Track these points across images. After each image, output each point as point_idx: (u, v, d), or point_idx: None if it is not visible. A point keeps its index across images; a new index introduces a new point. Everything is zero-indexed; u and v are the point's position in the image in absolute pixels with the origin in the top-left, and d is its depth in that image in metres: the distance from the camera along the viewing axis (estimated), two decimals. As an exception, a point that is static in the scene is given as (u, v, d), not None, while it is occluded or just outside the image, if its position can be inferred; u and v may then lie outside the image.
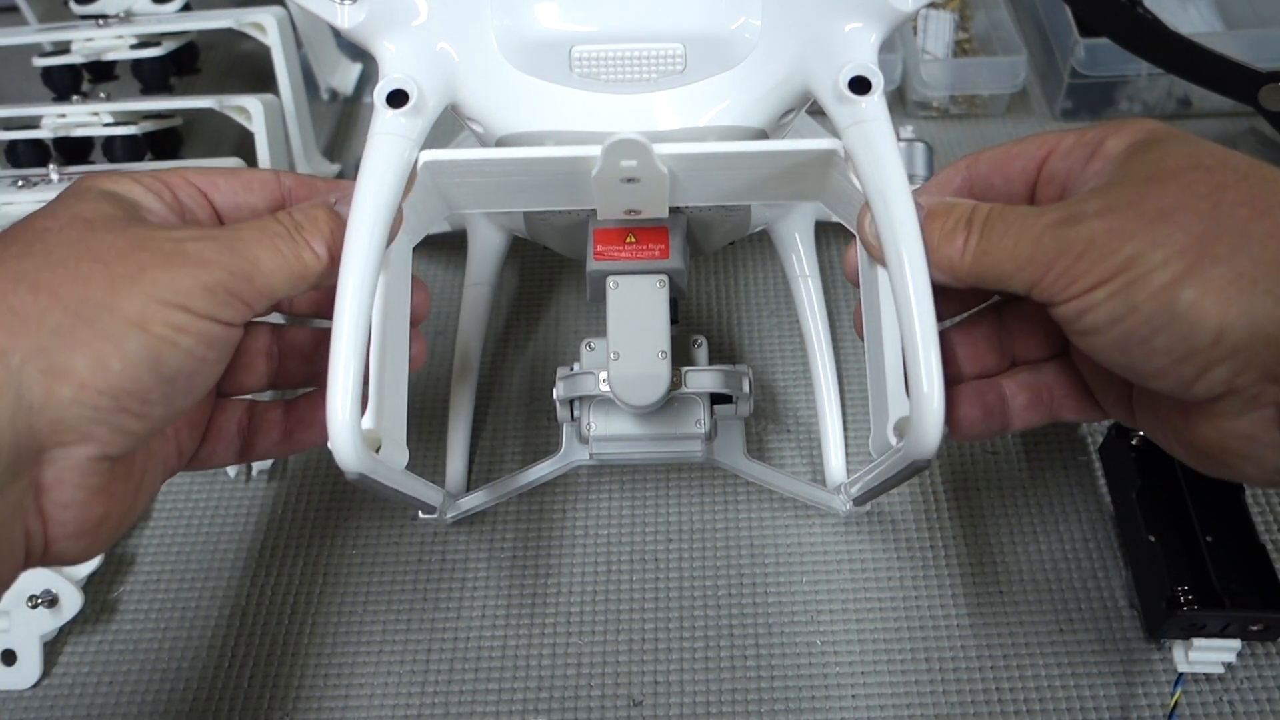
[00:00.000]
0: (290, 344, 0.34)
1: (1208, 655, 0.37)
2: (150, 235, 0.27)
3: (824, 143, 0.30)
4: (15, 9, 0.61)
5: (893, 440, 0.30)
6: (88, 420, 0.25)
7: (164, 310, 0.26)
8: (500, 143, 0.33)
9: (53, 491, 0.26)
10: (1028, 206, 0.28)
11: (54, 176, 0.48)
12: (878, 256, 0.29)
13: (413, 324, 0.34)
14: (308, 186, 0.32)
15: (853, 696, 0.38)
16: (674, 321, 0.38)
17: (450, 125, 0.44)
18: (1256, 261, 0.24)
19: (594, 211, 0.36)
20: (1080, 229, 0.25)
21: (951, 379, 0.32)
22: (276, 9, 0.54)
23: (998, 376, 0.32)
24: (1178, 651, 0.37)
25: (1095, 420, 0.33)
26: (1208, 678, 0.38)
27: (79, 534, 0.27)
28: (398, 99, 0.30)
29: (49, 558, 0.27)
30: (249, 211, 0.31)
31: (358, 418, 0.28)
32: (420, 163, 0.30)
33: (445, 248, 0.54)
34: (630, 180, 0.30)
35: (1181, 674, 0.37)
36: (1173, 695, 0.37)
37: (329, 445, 0.28)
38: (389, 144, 0.30)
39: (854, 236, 0.34)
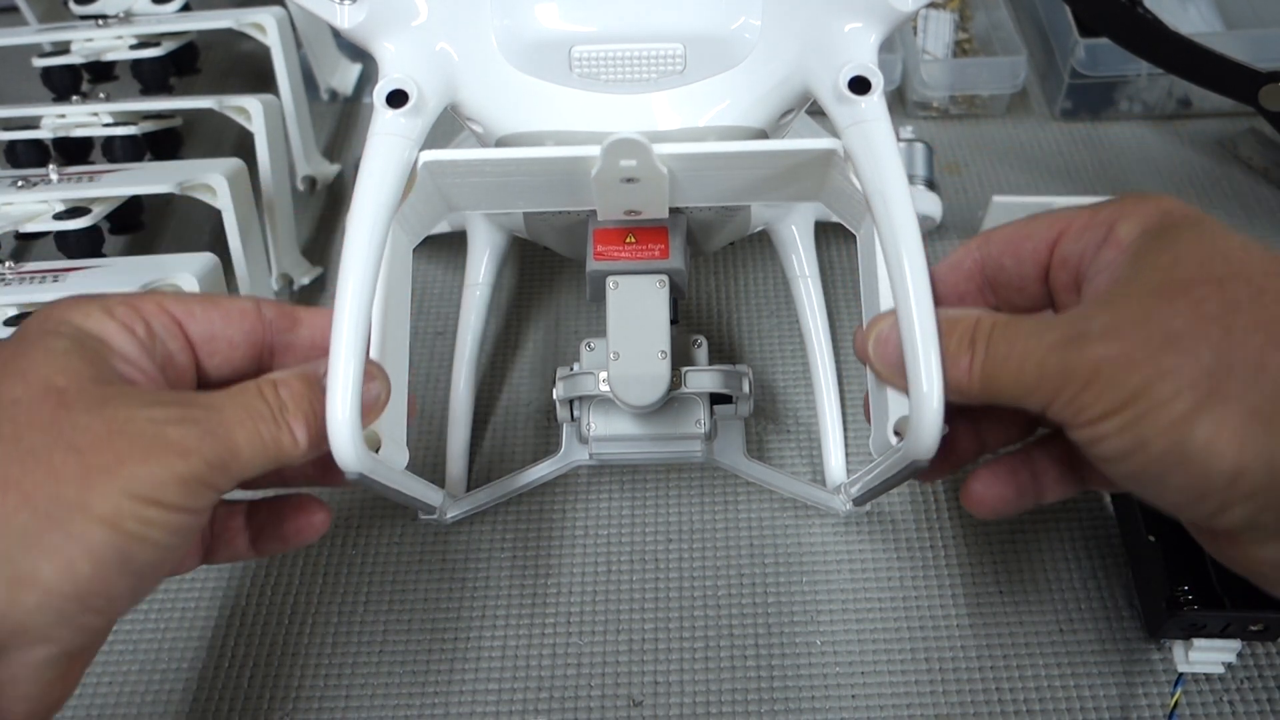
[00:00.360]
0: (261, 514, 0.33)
1: (1208, 655, 0.37)
2: (130, 418, 0.25)
3: (824, 142, 0.30)
4: (15, 9, 0.61)
5: (892, 440, 0.30)
6: (52, 625, 0.24)
7: (137, 506, 0.24)
8: (500, 143, 0.33)
9: (6, 688, 0.24)
10: (1032, 320, 0.26)
11: (54, 176, 0.48)
12: (884, 375, 0.29)
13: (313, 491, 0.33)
14: (289, 318, 0.31)
15: (853, 696, 0.38)
16: (674, 321, 0.38)
17: (450, 125, 0.44)
18: (1271, 397, 0.23)
19: (594, 211, 0.36)
20: (1086, 353, 0.24)
21: (976, 451, 0.32)
22: (276, 9, 0.54)
23: (1029, 447, 0.31)
24: (1178, 651, 0.37)
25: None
26: (1208, 678, 0.38)
27: (30, 717, 0.26)
28: (397, 99, 0.30)
29: None
30: (225, 344, 0.30)
31: (358, 417, 0.28)
32: (420, 163, 0.30)
33: (445, 248, 0.54)
34: (630, 180, 0.30)
35: (1181, 674, 0.37)
36: (1173, 695, 0.37)
37: (330, 445, 0.28)
38: (389, 144, 0.30)
39: (854, 236, 0.34)
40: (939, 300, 0.28)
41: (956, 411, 0.29)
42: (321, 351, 0.29)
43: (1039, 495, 0.31)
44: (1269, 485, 0.23)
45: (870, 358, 0.29)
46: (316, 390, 0.28)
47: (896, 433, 0.30)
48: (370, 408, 0.29)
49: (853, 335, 0.30)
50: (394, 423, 0.32)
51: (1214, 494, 0.23)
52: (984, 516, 0.30)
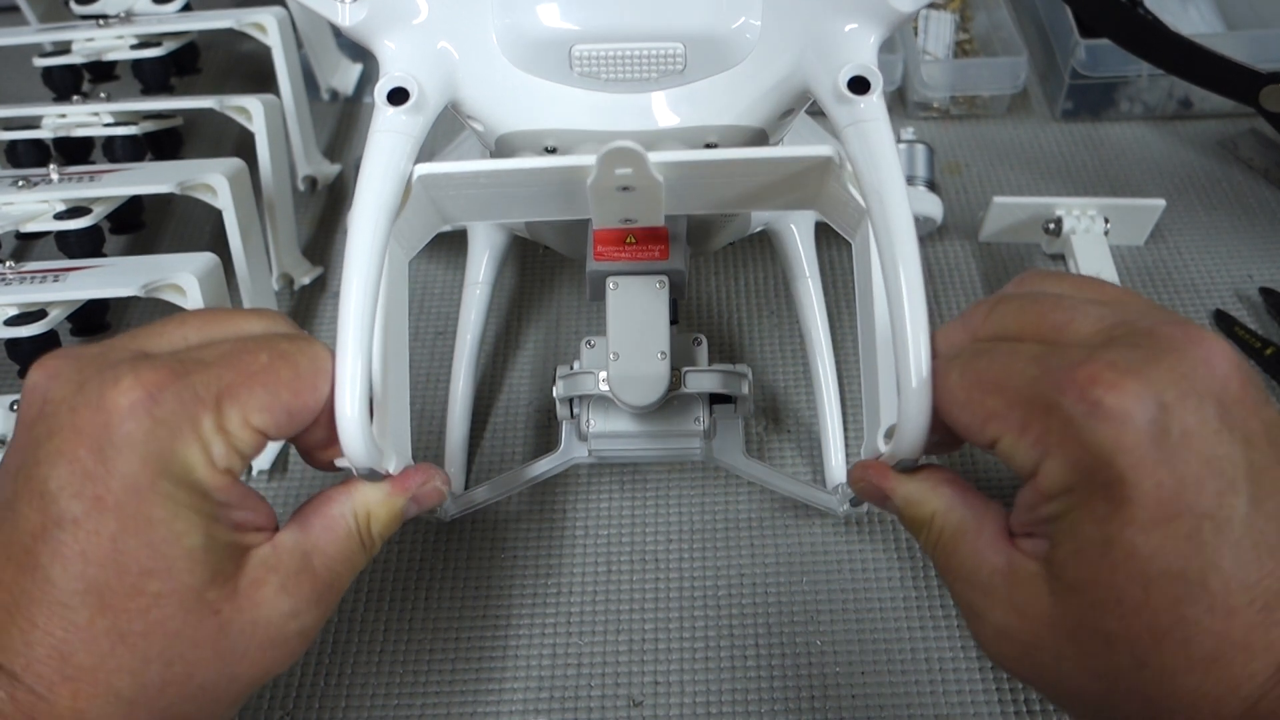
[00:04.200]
0: None
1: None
2: (267, 618, 0.28)
3: (821, 150, 0.30)
4: (15, 9, 0.61)
5: (882, 447, 0.30)
6: None
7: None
8: (500, 141, 0.33)
9: None
10: (985, 552, 0.27)
11: (54, 176, 0.48)
12: (871, 497, 0.30)
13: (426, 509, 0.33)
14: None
15: (852, 697, 0.38)
16: (673, 321, 0.38)
17: (451, 125, 0.44)
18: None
19: (592, 215, 0.36)
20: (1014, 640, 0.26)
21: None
22: (277, 9, 0.54)
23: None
24: (1178, 652, 0.37)
25: None
26: (1208, 678, 0.38)
27: None
28: (398, 97, 0.30)
29: None
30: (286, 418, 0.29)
31: (366, 413, 0.28)
32: (414, 176, 0.30)
33: (445, 247, 0.54)
34: (626, 189, 0.30)
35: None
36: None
37: (340, 441, 0.28)
38: (390, 141, 0.30)
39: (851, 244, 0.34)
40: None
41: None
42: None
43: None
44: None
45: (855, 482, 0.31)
46: (398, 519, 0.31)
47: (886, 439, 0.30)
48: (428, 498, 0.32)
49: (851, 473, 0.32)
50: (398, 436, 0.32)
51: None
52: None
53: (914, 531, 0.29)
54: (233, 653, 0.26)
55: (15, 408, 0.43)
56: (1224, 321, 0.49)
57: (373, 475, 0.30)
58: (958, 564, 0.27)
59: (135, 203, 0.52)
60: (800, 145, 0.30)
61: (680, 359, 0.40)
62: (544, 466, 0.43)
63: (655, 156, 0.29)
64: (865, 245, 0.31)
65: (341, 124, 0.63)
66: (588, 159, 0.29)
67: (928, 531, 0.28)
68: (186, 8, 0.57)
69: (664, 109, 0.32)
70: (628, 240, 0.37)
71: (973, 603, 0.27)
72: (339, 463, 0.29)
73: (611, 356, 0.37)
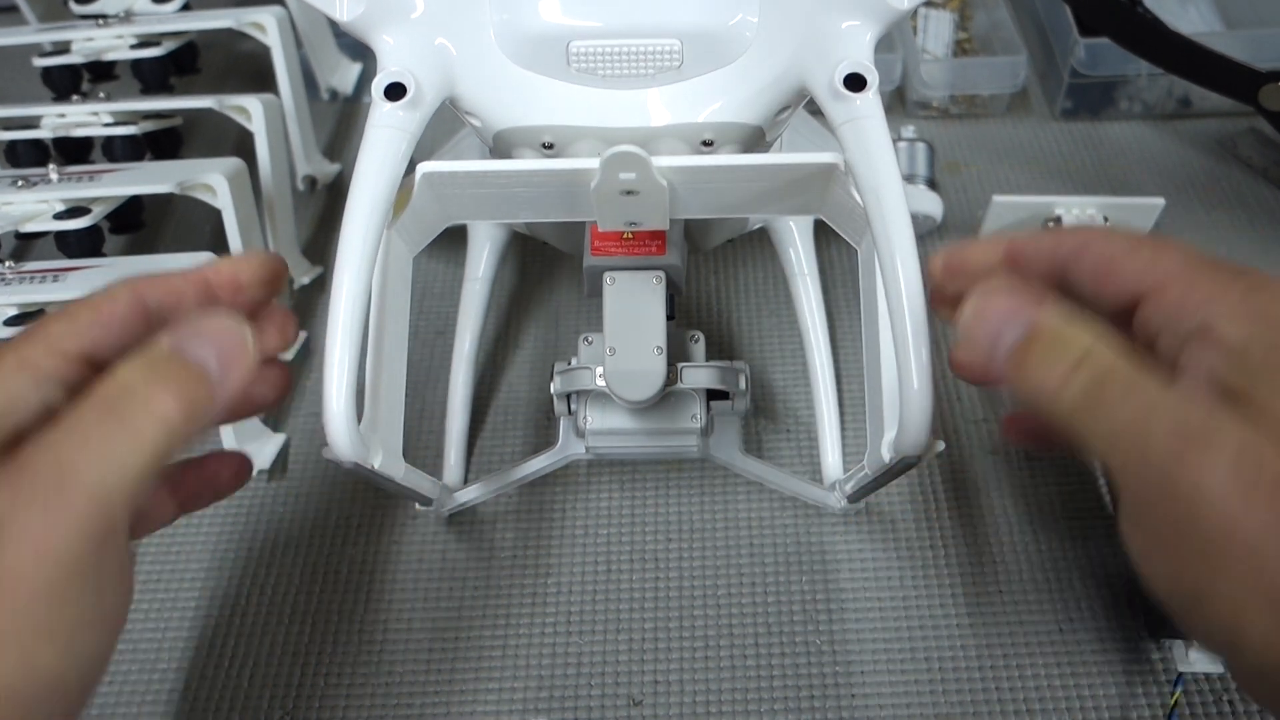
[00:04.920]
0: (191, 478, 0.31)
1: (1208, 655, 0.37)
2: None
3: (825, 156, 0.30)
4: (15, 9, 0.61)
5: (886, 458, 0.30)
6: None
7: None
8: (498, 137, 0.33)
9: None
10: (1156, 390, 0.22)
11: (54, 176, 0.48)
12: (969, 358, 0.25)
13: (272, 354, 0.30)
14: (173, 293, 0.28)
15: (852, 696, 0.38)
16: (670, 318, 0.38)
17: (450, 123, 0.44)
18: None
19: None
20: (1200, 492, 0.20)
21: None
22: (276, 9, 0.54)
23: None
24: (1178, 651, 0.37)
25: None
26: (1207, 677, 0.38)
27: None
28: (395, 92, 0.30)
29: None
30: (119, 348, 0.26)
31: (353, 407, 0.28)
32: (419, 174, 0.31)
33: (444, 243, 0.53)
34: (629, 193, 0.30)
35: (1181, 673, 0.37)
36: (1173, 695, 0.37)
37: (325, 433, 0.28)
38: (386, 136, 0.30)
39: (854, 249, 0.34)
40: (1016, 264, 0.26)
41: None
42: (216, 295, 0.28)
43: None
44: None
45: (962, 337, 0.25)
46: (161, 366, 0.25)
47: (887, 449, 0.30)
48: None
49: (933, 276, 0.27)
50: (390, 433, 0.32)
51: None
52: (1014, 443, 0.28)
53: (1049, 369, 0.23)
54: None
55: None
56: (1224, 320, 0.49)
57: (358, 470, 0.30)
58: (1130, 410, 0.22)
59: (135, 203, 0.52)
60: (804, 151, 0.31)
61: (678, 355, 0.40)
62: (541, 463, 0.43)
63: (659, 161, 0.29)
64: (871, 253, 0.31)
65: (341, 123, 0.63)
66: (593, 163, 0.29)
67: (1078, 363, 0.23)
68: (186, 7, 0.57)
69: (661, 105, 0.32)
70: (625, 236, 0.37)
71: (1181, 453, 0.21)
72: (325, 453, 0.29)
73: (608, 352, 0.37)
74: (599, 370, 0.37)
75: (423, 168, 0.31)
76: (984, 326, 0.25)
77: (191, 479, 0.31)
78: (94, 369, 0.26)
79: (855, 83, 0.29)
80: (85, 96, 0.56)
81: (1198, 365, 0.22)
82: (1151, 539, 0.22)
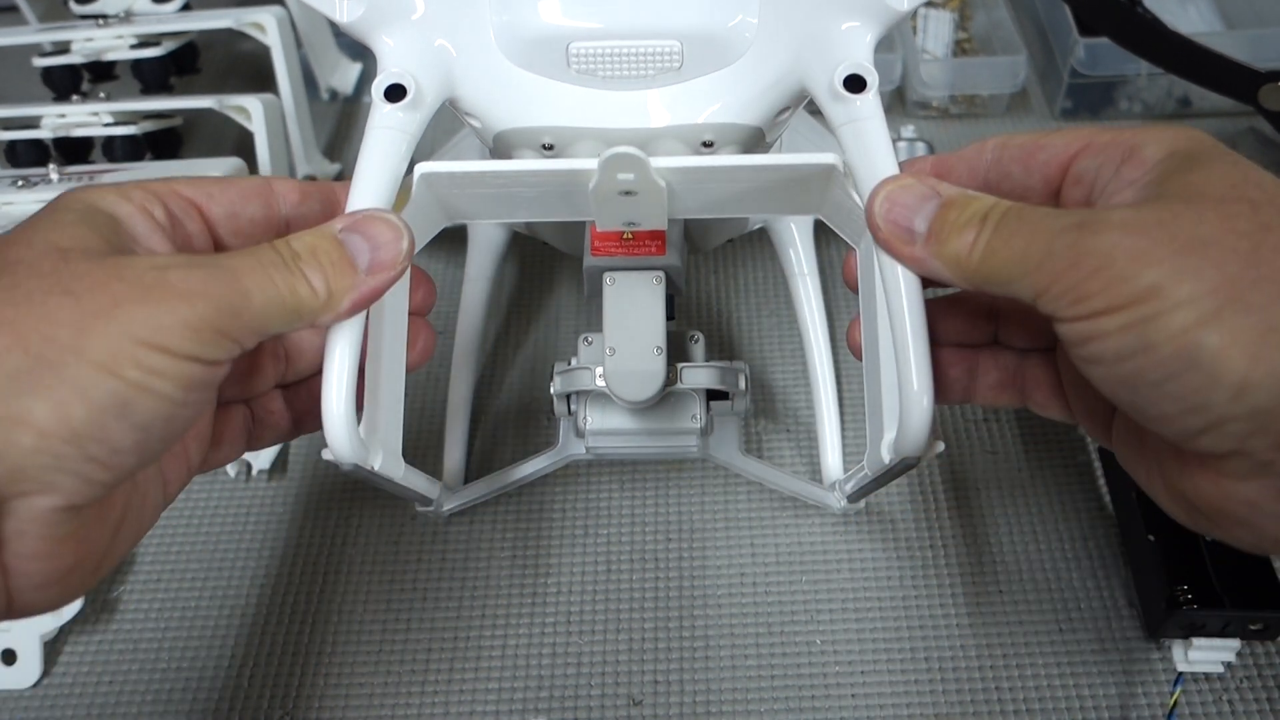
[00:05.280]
0: (296, 343, 0.33)
1: (1207, 655, 0.37)
2: (130, 264, 0.24)
3: (824, 157, 0.30)
4: (15, 9, 0.61)
5: (886, 459, 0.30)
6: (50, 469, 0.23)
7: (138, 351, 0.23)
8: (498, 138, 0.33)
9: (13, 543, 0.23)
10: (1049, 208, 0.25)
11: (54, 176, 0.48)
12: (886, 239, 0.27)
13: (419, 313, 0.33)
14: (298, 191, 0.30)
15: (852, 696, 0.38)
16: (670, 318, 0.38)
17: (450, 124, 0.44)
18: None
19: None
20: (1100, 239, 0.23)
21: (966, 387, 0.32)
22: (276, 9, 0.54)
23: (975, 349, 0.32)
24: (1177, 651, 0.37)
25: (1066, 421, 0.32)
26: (1207, 677, 0.38)
27: (45, 584, 0.24)
28: (395, 93, 0.30)
29: (15, 610, 0.24)
30: (247, 222, 0.29)
31: (353, 409, 0.28)
32: (417, 174, 0.31)
33: (445, 243, 0.54)
34: (628, 193, 0.30)
35: (1181, 673, 0.37)
36: (1172, 695, 0.37)
37: (325, 434, 0.28)
38: (386, 138, 0.30)
39: (853, 250, 0.34)
40: (944, 177, 0.28)
41: (948, 342, 0.31)
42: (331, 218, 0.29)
43: (968, 394, 0.32)
44: (1272, 406, 0.22)
45: (875, 218, 0.27)
46: (335, 244, 0.27)
47: (887, 450, 0.30)
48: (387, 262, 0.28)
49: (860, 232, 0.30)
50: (390, 433, 0.32)
51: (1212, 408, 0.22)
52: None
53: (959, 234, 0.26)
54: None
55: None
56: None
57: (358, 471, 0.30)
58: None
59: (135, 202, 0.52)
60: (803, 151, 0.30)
61: (677, 356, 0.40)
62: (540, 464, 0.43)
63: (658, 162, 0.29)
64: (870, 253, 0.31)
65: (341, 123, 0.63)
66: (591, 163, 0.29)
67: (987, 213, 0.25)
68: (186, 7, 0.57)
69: (661, 106, 0.32)
70: (625, 236, 0.37)
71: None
72: (324, 454, 0.29)
73: (608, 352, 0.37)
74: (599, 370, 0.37)
75: (421, 168, 0.31)
76: (898, 211, 0.27)
77: (304, 395, 0.33)
78: (210, 230, 0.29)
79: (855, 84, 0.29)
80: (85, 96, 0.56)
81: (1120, 181, 0.26)
82: (1093, 352, 0.24)
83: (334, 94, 0.64)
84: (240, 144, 0.59)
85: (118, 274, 0.24)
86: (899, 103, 0.62)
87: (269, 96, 0.52)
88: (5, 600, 0.24)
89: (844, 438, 0.44)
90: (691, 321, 0.51)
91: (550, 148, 0.33)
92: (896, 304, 0.27)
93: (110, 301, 0.23)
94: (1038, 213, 0.25)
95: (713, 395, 0.40)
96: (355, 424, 0.28)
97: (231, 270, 0.25)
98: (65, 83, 0.56)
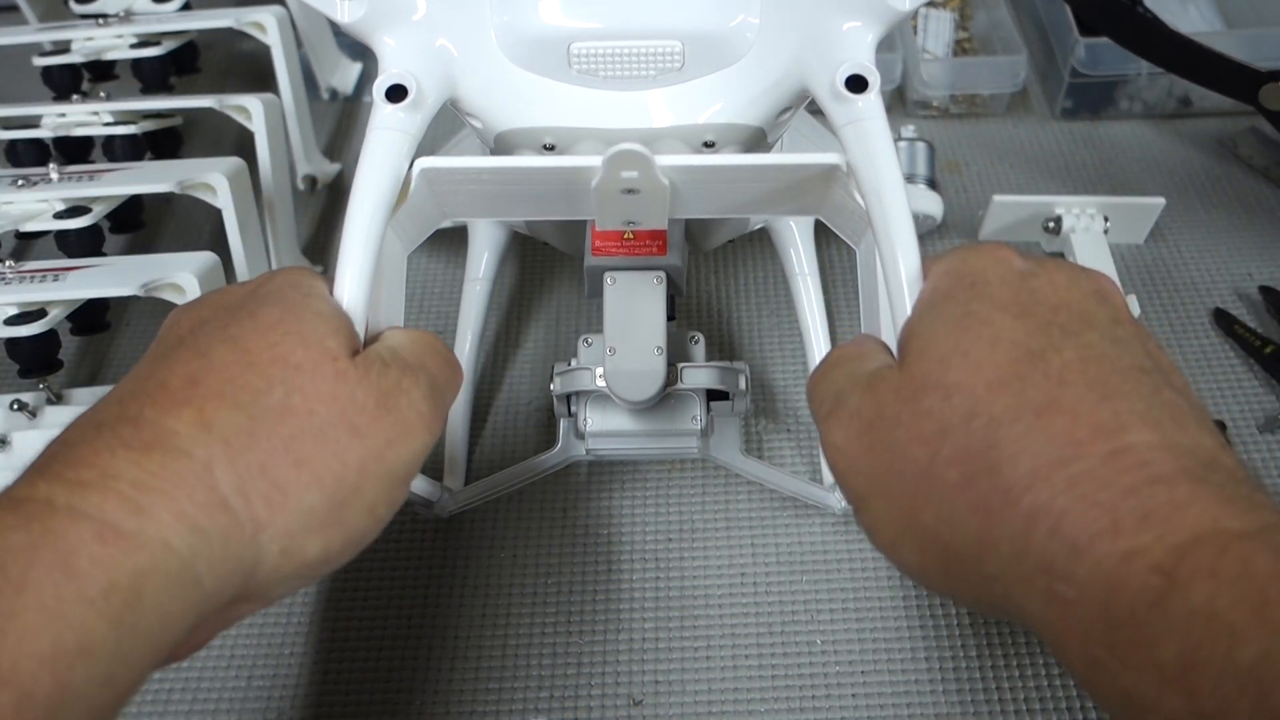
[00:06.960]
0: None
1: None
2: (391, 391, 0.26)
3: (827, 158, 0.30)
4: (15, 9, 0.61)
5: None
6: (283, 591, 0.26)
7: (396, 493, 0.27)
8: (499, 138, 0.33)
9: (199, 631, 0.25)
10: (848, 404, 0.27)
11: (54, 176, 0.47)
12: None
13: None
14: None
15: (853, 696, 0.38)
16: (671, 318, 0.38)
17: (450, 123, 0.44)
18: (953, 541, 0.24)
19: (593, 209, 0.37)
20: (831, 452, 0.27)
21: None
22: (276, 8, 0.54)
23: None
24: (1178, 651, 0.37)
25: None
26: (1208, 677, 0.38)
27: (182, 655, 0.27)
28: (396, 94, 0.30)
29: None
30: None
31: None
32: (416, 170, 0.30)
33: (445, 243, 0.54)
34: (630, 191, 0.30)
35: (1182, 673, 0.37)
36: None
37: None
38: (388, 138, 0.30)
39: (854, 249, 0.34)
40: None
41: None
42: None
43: None
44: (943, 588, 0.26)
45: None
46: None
47: None
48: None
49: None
50: None
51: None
52: None
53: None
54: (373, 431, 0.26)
55: (15, 407, 0.43)
56: (1224, 320, 0.49)
57: None
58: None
59: (135, 202, 0.52)
60: (804, 151, 0.31)
61: (678, 356, 0.40)
62: (541, 464, 0.43)
63: (662, 160, 0.29)
64: (870, 253, 0.31)
65: (341, 123, 0.63)
66: (593, 160, 0.29)
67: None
68: (186, 7, 0.57)
69: (662, 107, 0.32)
70: (625, 236, 0.37)
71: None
72: None
73: (608, 351, 0.37)
74: (599, 371, 0.37)
75: (421, 163, 0.30)
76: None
77: None
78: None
79: (857, 84, 0.29)
80: (85, 96, 0.56)
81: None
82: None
83: (334, 94, 0.64)
84: (240, 144, 0.59)
85: (384, 404, 0.26)
86: (899, 102, 0.62)
87: (269, 96, 0.52)
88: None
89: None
90: (692, 321, 0.51)
91: (551, 148, 0.33)
92: (899, 305, 0.27)
93: (384, 442, 0.26)
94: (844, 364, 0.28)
95: (713, 395, 0.40)
96: None
97: (444, 393, 0.29)
98: (65, 82, 0.56)
